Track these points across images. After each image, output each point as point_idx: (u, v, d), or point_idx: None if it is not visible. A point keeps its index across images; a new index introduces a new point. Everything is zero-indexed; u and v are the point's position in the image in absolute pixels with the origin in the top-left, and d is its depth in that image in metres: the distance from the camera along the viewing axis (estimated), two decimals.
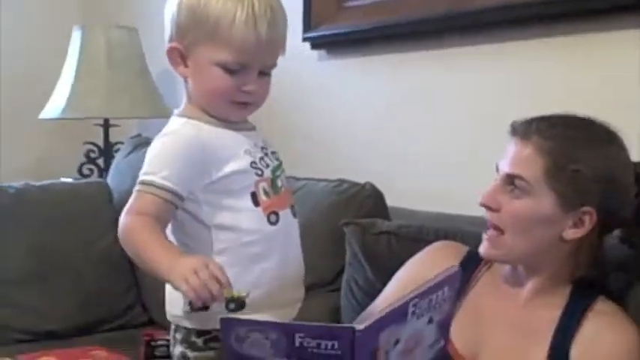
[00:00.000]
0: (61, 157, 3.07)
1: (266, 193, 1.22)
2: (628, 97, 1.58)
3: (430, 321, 1.06)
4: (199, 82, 1.22)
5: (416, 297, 1.01)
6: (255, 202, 1.21)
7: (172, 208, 1.18)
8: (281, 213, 1.23)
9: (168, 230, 1.22)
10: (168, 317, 1.26)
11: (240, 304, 1.14)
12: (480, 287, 1.31)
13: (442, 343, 1.11)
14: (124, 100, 2.67)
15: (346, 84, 2.23)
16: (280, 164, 1.28)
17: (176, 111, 1.27)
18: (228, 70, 1.19)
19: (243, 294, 1.13)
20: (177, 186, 1.17)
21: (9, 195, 2.17)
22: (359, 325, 0.97)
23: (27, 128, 3.11)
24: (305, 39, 2.22)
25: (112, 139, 2.85)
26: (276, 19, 1.20)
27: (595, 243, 1.24)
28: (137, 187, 1.19)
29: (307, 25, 2.23)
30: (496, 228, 1.24)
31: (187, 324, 1.22)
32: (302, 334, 0.97)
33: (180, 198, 1.18)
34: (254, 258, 1.21)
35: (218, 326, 1.07)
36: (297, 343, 0.97)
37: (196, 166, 1.18)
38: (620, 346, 1.18)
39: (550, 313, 1.23)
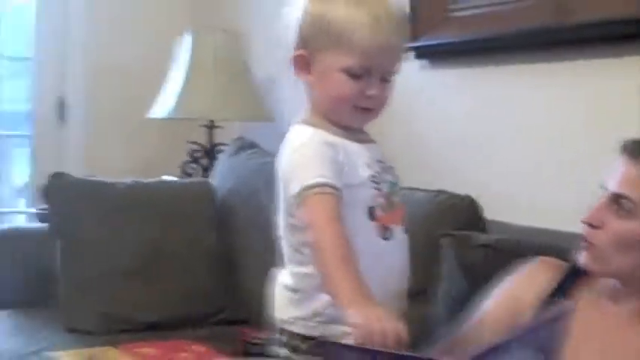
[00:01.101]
0: (165, 155, 3.17)
1: (383, 208, 1.23)
2: None
3: (536, 351, 1.05)
4: (323, 88, 1.24)
5: (522, 334, 1.04)
6: (372, 216, 1.22)
7: (341, 203, 1.17)
8: (394, 228, 1.25)
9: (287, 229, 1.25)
10: (276, 321, 1.27)
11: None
12: (579, 304, 1.27)
13: (541, 358, 1.10)
14: (229, 102, 2.75)
15: (448, 94, 2.22)
16: (397, 181, 1.28)
17: (298, 119, 1.28)
18: (353, 75, 1.21)
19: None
20: (336, 180, 1.18)
21: (119, 191, 2.27)
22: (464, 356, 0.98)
23: (134, 127, 3.24)
24: (409, 48, 2.23)
25: (215, 140, 2.95)
26: (399, 26, 1.24)
27: None
28: (306, 194, 1.17)
29: (411, 35, 2.24)
30: (590, 243, 1.23)
31: (294, 329, 1.24)
32: None
33: (341, 192, 1.18)
34: (367, 271, 1.15)
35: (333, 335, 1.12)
36: None
37: (336, 164, 1.20)
38: None
39: None
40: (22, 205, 3.69)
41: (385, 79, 1.24)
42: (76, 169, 2.89)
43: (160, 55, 3.08)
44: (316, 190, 1.17)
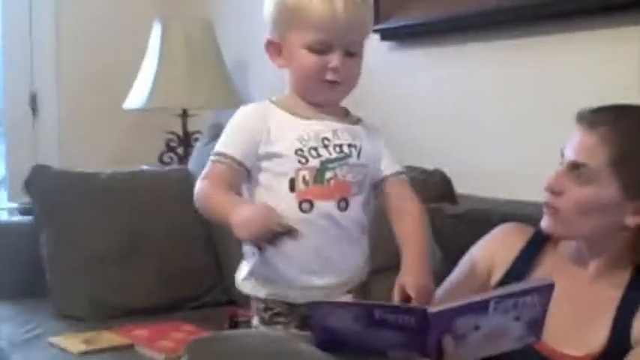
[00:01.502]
0: (141, 146, 3.22)
1: (305, 181, 1.28)
2: None
3: (517, 319, 1.15)
4: (292, 67, 1.32)
5: (499, 297, 1.12)
6: (292, 187, 1.28)
7: (235, 173, 1.30)
8: (317, 203, 1.28)
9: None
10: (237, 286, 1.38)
11: (292, 233, 1.22)
12: (546, 266, 1.39)
13: (532, 338, 1.20)
14: (202, 91, 2.80)
15: (415, 74, 2.29)
16: (344, 157, 1.31)
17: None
18: (314, 50, 1.28)
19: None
20: (241, 155, 1.29)
21: (100, 181, 2.31)
22: (433, 308, 1.08)
23: (110, 118, 3.28)
24: (375, 31, 2.30)
25: (190, 128, 3.00)
26: (357, 1, 1.28)
27: None
28: (210, 158, 1.33)
29: (376, 17, 2.31)
30: (554, 209, 1.31)
31: (246, 289, 1.35)
32: (381, 310, 1.10)
33: (242, 166, 1.30)
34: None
35: (270, 293, 1.27)
36: (376, 317, 1.10)
37: (248, 132, 1.30)
38: None
39: (613, 292, 1.30)
40: None
41: (349, 52, 1.29)
42: (52, 163, 2.93)
43: (131, 45, 3.12)
44: (214, 157, 1.32)
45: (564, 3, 1.82)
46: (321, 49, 1.28)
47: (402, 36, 2.31)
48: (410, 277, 1.26)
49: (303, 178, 1.28)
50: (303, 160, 1.29)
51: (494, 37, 2.03)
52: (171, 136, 3.01)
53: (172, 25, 2.86)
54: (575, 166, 1.29)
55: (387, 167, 1.38)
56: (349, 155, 1.32)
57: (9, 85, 3.30)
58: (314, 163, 1.29)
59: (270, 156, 1.30)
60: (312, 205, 1.28)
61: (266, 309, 1.33)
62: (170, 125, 3.03)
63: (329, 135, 1.32)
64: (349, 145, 1.33)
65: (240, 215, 1.19)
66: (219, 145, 1.32)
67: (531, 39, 1.95)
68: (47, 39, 3.30)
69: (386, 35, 2.32)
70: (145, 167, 2.81)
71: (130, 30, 3.26)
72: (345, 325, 1.14)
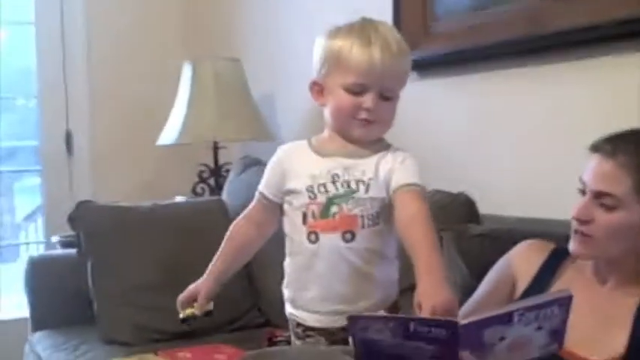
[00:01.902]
0: (174, 178, 3.36)
1: (313, 215, 1.41)
2: None
3: (539, 328, 1.22)
4: (330, 105, 1.45)
5: (522, 308, 1.20)
6: (304, 220, 1.42)
7: (264, 207, 1.51)
8: (322, 235, 1.40)
9: None
10: None
11: (189, 321, 1.57)
12: (565, 279, 1.48)
13: (555, 346, 1.27)
14: (231, 124, 2.92)
15: (436, 102, 2.38)
16: (350, 193, 1.40)
17: None
18: (351, 91, 1.40)
19: (196, 312, 1.55)
20: (267, 190, 1.50)
21: (140, 213, 2.44)
22: (463, 320, 1.17)
23: (142, 153, 3.43)
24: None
25: (221, 160, 3.12)
26: (390, 47, 1.40)
27: None
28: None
29: None
30: (586, 235, 1.39)
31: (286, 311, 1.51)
32: (416, 323, 1.19)
33: (270, 201, 1.49)
34: (301, 266, 1.45)
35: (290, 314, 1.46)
36: (411, 329, 1.18)
37: (276, 172, 1.49)
38: None
39: (630, 301, 1.39)
40: (23, 237, 3.88)
41: (384, 96, 1.41)
42: (86, 198, 3.05)
43: (163, 83, 3.27)
44: (257, 193, 1.53)
45: (573, 34, 1.91)
46: (357, 90, 1.40)
47: (423, 67, 2.42)
48: (423, 298, 1.25)
49: (312, 213, 1.41)
50: (312, 196, 1.42)
51: (510, 66, 2.12)
52: (203, 168, 3.14)
53: (202, 64, 2.99)
54: (599, 195, 1.37)
55: (394, 182, 1.42)
56: (356, 190, 1.41)
57: (45, 124, 3.46)
58: (321, 198, 1.41)
59: (289, 192, 1.45)
60: (317, 236, 1.41)
61: (298, 324, 1.47)
62: (201, 158, 3.15)
63: (339, 172, 1.43)
64: (357, 181, 1.42)
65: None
66: (261, 183, 1.53)
67: (543, 67, 2.04)
68: (81, 79, 3.45)
69: None
70: (179, 198, 2.93)
71: (161, 69, 3.41)
72: (383, 338, 1.22)
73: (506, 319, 1.19)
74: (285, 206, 1.47)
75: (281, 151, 1.52)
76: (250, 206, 1.54)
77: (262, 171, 2.56)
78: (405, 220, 1.37)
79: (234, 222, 1.57)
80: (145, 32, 3.53)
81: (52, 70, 3.44)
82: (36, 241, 3.76)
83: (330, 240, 1.40)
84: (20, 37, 3.59)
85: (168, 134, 2.99)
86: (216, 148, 3.09)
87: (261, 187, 1.52)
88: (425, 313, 1.23)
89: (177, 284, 2.33)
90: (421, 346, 1.19)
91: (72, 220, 2.42)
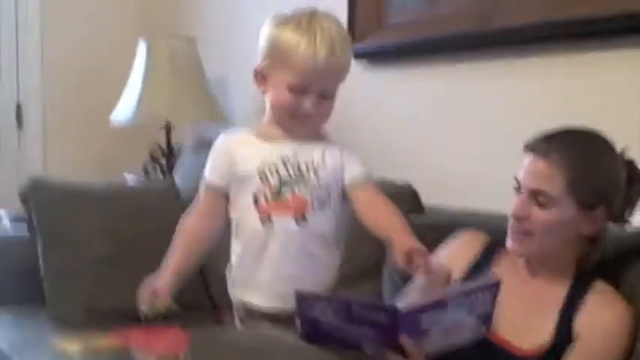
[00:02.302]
0: (126, 156, 3.35)
1: (265, 197, 1.46)
2: None
3: (470, 312, 1.31)
4: (271, 97, 1.49)
5: (456, 296, 1.28)
6: (255, 203, 1.47)
7: (215, 197, 1.52)
8: (275, 218, 1.45)
9: None
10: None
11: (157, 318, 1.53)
12: (499, 269, 1.54)
13: (484, 330, 1.37)
14: (185, 105, 2.92)
15: (387, 92, 2.45)
16: (301, 176, 1.46)
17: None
18: (292, 90, 1.44)
19: (161, 310, 1.51)
20: (215, 180, 1.51)
21: (93, 191, 2.46)
22: (402, 306, 1.24)
23: (95, 130, 3.41)
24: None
25: (173, 141, 3.12)
26: (335, 51, 1.42)
27: (600, 233, 1.47)
28: (201, 186, 1.55)
29: (351, 39, 2.47)
30: (525, 233, 1.46)
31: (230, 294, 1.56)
32: (358, 307, 1.25)
33: (219, 188, 1.51)
34: (252, 248, 1.48)
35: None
36: (353, 312, 1.25)
37: (224, 159, 1.51)
38: (615, 318, 1.41)
39: (559, 291, 1.46)
40: None
41: (323, 95, 1.46)
42: (37, 173, 3.04)
43: (117, 61, 3.26)
44: (203, 185, 1.55)
45: (521, 31, 1.99)
46: (298, 90, 1.44)
47: (375, 57, 2.48)
48: (400, 244, 1.36)
49: (265, 195, 1.46)
50: (264, 179, 1.46)
51: (460, 59, 2.20)
52: (154, 147, 3.15)
53: (157, 43, 2.98)
54: (534, 193, 1.44)
55: (348, 175, 1.50)
56: (306, 175, 1.47)
57: None
58: (273, 181, 1.46)
59: (240, 176, 1.48)
60: (270, 218, 1.45)
61: (244, 307, 1.53)
62: (154, 137, 3.17)
63: (289, 155, 1.48)
64: (307, 166, 1.48)
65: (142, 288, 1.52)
66: (205, 175, 1.54)
67: (493, 63, 2.12)
68: (33, 53, 3.43)
69: (359, 56, 2.49)
70: (128, 176, 2.94)
71: (115, 47, 3.40)
72: (327, 318, 1.28)
73: (441, 304, 1.26)
74: (233, 191, 1.50)
75: (224, 138, 1.54)
76: (197, 199, 1.55)
77: None
78: (376, 209, 1.49)
79: (183, 217, 1.56)
80: (100, 6, 3.51)
81: (3, 42, 3.39)
82: None
83: (283, 222, 1.45)
84: None
85: (121, 112, 2.99)
86: (168, 129, 3.10)
87: (208, 177, 1.53)
88: (400, 251, 1.34)
89: (127, 263, 2.38)
90: (362, 330, 1.26)
91: (23, 196, 2.42)
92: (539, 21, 1.93)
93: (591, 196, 1.42)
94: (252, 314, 1.51)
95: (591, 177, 1.42)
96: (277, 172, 1.46)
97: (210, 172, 1.53)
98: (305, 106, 1.45)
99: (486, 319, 1.36)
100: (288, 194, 1.46)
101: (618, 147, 1.48)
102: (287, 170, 1.47)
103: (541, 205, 1.43)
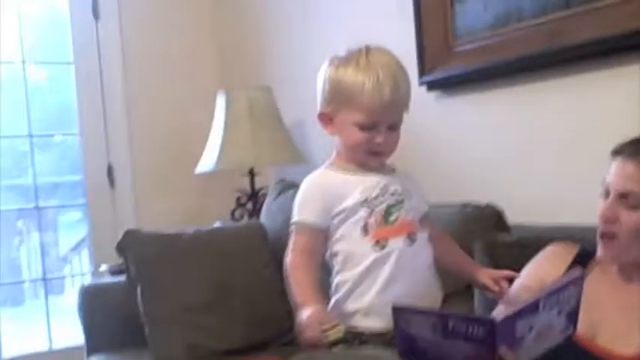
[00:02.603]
0: (213, 205, 3.47)
1: (377, 224, 1.51)
2: None
3: (559, 313, 1.31)
4: (343, 138, 1.56)
5: (545, 295, 1.27)
6: (365, 232, 1.51)
7: (315, 236, 1.52)
8: (391, 240, 1.51)
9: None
10: None
11: (337, 342, 1.42)
12: (593, 278, 1.54)
13: (571, 329, 1.36)
14: (266, 150, 3.02)
15: (460, 118, 2.47)
16: (402, 201, 1.55)
17: (326, 161, 1.62)
18: (363, 128, 1.51)
19: (339, 333, 1.42)
20: (317, 219, 1.52)
21: (184, 238, 2.55)
22: (498, 317, 1.24)
23: (181, 182, 3.55)
24: (421, 83, 2.50)
25: (257, 185, 3.22)
26: (399, 85, 1.50)
27: None
28: (291, 229, 1.55)
29: (422, 71, 2.52)
30: (611, 236, 1.46)
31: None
32: (454, 320, 1.25)
33: (320, 229, 1.52)
34: (365, 278, 1.51)
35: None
36: (450, 326, 1.25)
37: (324, 203, 1.53)
38: None
39: None
40: (67, 270, 4.02)
41: (391, 127, 1.53)
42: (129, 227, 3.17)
43: (197, 114, 3.40)
44: (294, 227, 1.54)
45: (592, 46, 1.99)
46: (368, 127, 1.51)
47: (446, 86, 2.52)
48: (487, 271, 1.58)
49: (376, 222, 1.51)
50: (370, 209, 1.52)
51: (532, 80, 2.21)
52: (240, 194, 3.25)
53: (235, 93, 3.10)
54: (624, 195, 1.44)
55: (423, 204, 1.64)
56: (405, 199, 1.56)
57: (88, 159, 3.59)
58: (379, 209, 1.52)
59: (342, 211, 1.52)
60: (382, 244, 1.51)
61: (355, 336, 1.52)
62: (238, 184, 3.26)
63: (381, 184, 1.56)
64: (398, 192, 1.56)
65: (300, 319, 1.43)
66: (297, 216, 1.55)
67: (565, 79, 2.12)
68: (119, 113, 3.59)
69: (431, 86, 2.54)
70: (218, 224, 3.04)
71: (195, 100, 3.55)
72: (424, 334, 1.28)
73: (534, 307, 1.26)
74: (336, 226, 1.53)
75: (313, 179, 1.58)
76: (296, 242, 1.54)
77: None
78: (442, 238, 1.67)
79: (287, 262, 1.54)
80: (179, 65, 3.66)
81: (91, 107, 3.58)
82: (80, 272, 3.91)
83: (396, 244, 1.51)
84: (59, 77, 3.75)
85: (206, 162, 3.10)
86: (252, 174, 3.19)
87: (304, 217, 1.53)
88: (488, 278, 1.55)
89: (222, 304, 2.47)
90: (459, 346, 1.25)
91: (120, 247, 2.53)
92: (611, 33, 1.94)
93: None
94: (361, 338, 1.52)
95: None
96: (379, 199, 1.53)
97: (307, 212, 1.54)
98: (377, 141, 1.52)
99: (572, 316, 1.36)
100: (396, 218, 1.53)
101: None
102: (387, 197, 1.54)
103: (630, 208, 1.43)
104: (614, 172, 1.48)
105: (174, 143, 3.60)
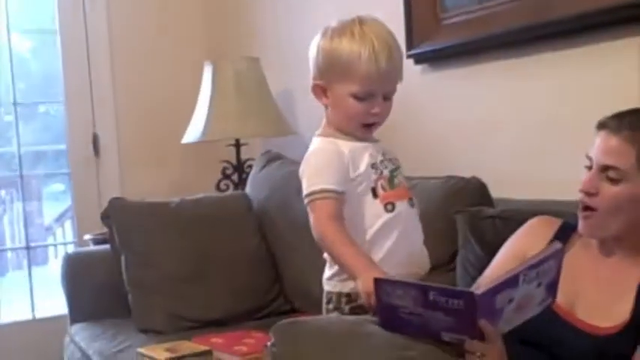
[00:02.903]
0: (199, 175, 3.47)
1: (383, 187, 1.54)
2: None
3: (539, 285, 1.32)
4: (338, 110, 1.56)
5: (525, 269, 1.29)
6: (375, 194, 1.53)
7: (340, 202, 1.50)
8: (397, 203, 1.54)
9: None
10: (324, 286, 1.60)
11: None
12: (574, 251, 1.55)
13: (550, 300, 1.38)
14: (252, 121, 3.01)
15: (447, 92, 2.48)
16: (398, 167, 1.60)
17: (317, 132, 1.61)
18: (359, 98, 1.52)
19: None
20: (338, 185, 1.50)
21: (170, 208, 2.56)
22: (477, 290, 1.26)
23: (167, 153, 3.55)
24: (409, 56, 2.49)
25: (243, 156, 3.22)
26: (393, 54, 1.52)
27: None
28: (311, 198, 1.50)
29: (410, 44, 2.52)
30: (591, 209, 1.47)
31: (329, 288, 1.57)
32: (434, 292, 1.26)
33: (343, 194, 1.50)
34: (377, 239, 1.52)
35: (351, 289, 1.45)
36: (430, 298, 1.26)
37: (342, 169, 1.52)
38: None
39: (635, 270, 1.47)
40: (51, 240, 4.02)
41: (386, 97, 1.54)
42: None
43: (184, 85, 3.39)
44: (318, 195, 1.50)
45: (578, 20, 1.99)
46: (365, 97, 1.51)
47: (433, 59, 2.51)
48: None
49: (382, 186, 1.54)
50: (379, 172, 1.55)
51: (518, 54, 2.21)
52: (226, 165, 3.25)
53: (222, 63, 3.09)
54: (605, 168, 1.45)
55: None
56: (399, 166, 1.60)
57: (73, 129, 3.57)
58: (385, 172, 1.56)
59: (357, 176, 1.53)
60: (393, 205, 1.54)
61: (349, 301, 1.53)
62: (224, 155, 3.26)
63: (382, 150, 1.59)
64: (395, 158, 1.61)
65: (364, 286, 1.39)
66: (318, 184, 1.50)
67: (550, 54, 2.12)
68: (105, 83, 3.56)
69: (419, 60, 2.53)
70: (203, 195, 3.03)
71: (182, 70, 3.53)
72: (405, 305, 1.29)
73: (513, 281, 1.27)
74: (351, 191, 1.52)
75: (324, 148, 1.56)
76: (327, 208, 1.49)
77: (284, 165, 2.74)
78: None
79: (322, 232, 1.48)
80: (166, 34, 3.63)
81: (77, 76, 3.55)
82: (64, 242, 3.91)
83: (403, 206, 1.55)
84: (44, 46, 3.71)
85: (192, 133, 3.09)
86: (238, 145, 3.19)
87: (327, 186, 1.49)
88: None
89: (206, 274, 2.48)
90: (440, 317, 1.27)
91: (105, 216, 2.53)
92: (595, 8, 1.93)
93: None
94: (360, 307, 1.51)
95: None
96: (384, 164, 1.56)
97: (328, 179, 1.50)
98: (374, 111, 1.53)
99: (552, 287, 1.37)
100: (398, 182, 1.57)
101: None
102: (388, 163, 1.57)
103: (612, 181, 1.45)
104: (597, 145, 1.49)
105: (160, 113, 3.58)
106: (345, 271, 1.50)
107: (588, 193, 1.48)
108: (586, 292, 1.47)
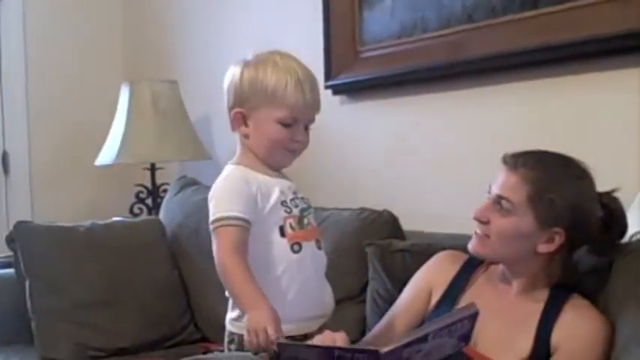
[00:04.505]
0: (112, 199, 3.40)
1: (292, 227, 1.54)
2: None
3: (450, 337, 1.34)
4: (260, 136, 1.55)
5: (436, 329, 1.30)
6: (282, 233, 1.52)
7: (246, 231, 1.47)
8: (304, 244, 1.54)
9: None
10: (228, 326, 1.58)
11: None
12: (477, 286, 1.60)
13: (462, 344, 1.40)
14: (168, 145, 2.97)
15: (365, 123, 2.51)
16: (309, 207, 1.60)
17: (230, 160, 1.60)
18: (284, 124, 1.53)
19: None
20: (245, 214, 1.48)
21: (80, 233, 2.48)
22: (383, 348, 1.23)
23: (80, 174, 3.47)
24: (327, 87, 2.52)
25: (158, 180, 3.18)
26: (315, 85, 1.56)
27: (565, 256, 1.53)
28: (217, 224, 1.47)
29: (328, 75, 2.54)
30: (484, 236, 1.53)
31: (232, 329, 1.55)
32: (340, 351, 1.26)
33: (249, 223, 1.48)
34: (281, 280, 1.51)
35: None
36: (336, 355, 1.25)
37: (250, 198, 1.50)
38: (592, 331, 1.44)
39: (534, 306, 1.51)
40: None
41: (307, 126, 1.57)
42: (24, 219, 3.07)
43: (100, 105, 3.32)
44: (224, 222, 1.47)
45: (488, 61, 2.06)
46: (289, 123, 1.53)
47: (350, 91, 2.54)
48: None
49: (290, 225, 1.53)
50: (289, 210, 1.54)
51: (433, 90, 2.26)
52: (140, 189, 3.19)
53: (140, 85, 3.04)
54: (498, 200, 1.51)
55: None
56: (310, 205, 1.60)
57: None
58: (295, 211, 1.55)
59: (267, 208, 1.52)
60: (300, 246, 1.53)
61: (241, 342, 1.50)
62: (139, 179, 3.21)
63: (295, 189, 1.59)
64: (306, 198, 1.61)
65: (251, 323, 1.36)
66: (226, 211, 1.46)
67: (464, 91, 2.18)
68: (19, 100, 3.47)
69: (337, 91, 2.56)
70: (117, 219, 2.97)
71: (99, 91, 3.47)
72: None
73: (422, 339, 1.29)
74: (257, 225, 1.49)
75: (234, 175, 1.54)
76: (229, 237, 1.45)
77: (199, 191, 2.70)
78: None
79: (221, 261, 1.44)
80: (83, 54, 3.58)
81: None
82: None
83: (311, 248, 1.55)
84: None
85: (106, 154, 3.03)
86: (153, 169, 3.14)
87: (233, 213, 1.46)
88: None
89: (116, 302, 2.41)
90: None
91: (10, 240, 2.45)
92: (509, 49, 2.00)
93: (549, 214, 1.48)
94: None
95: (552, 195, 1.48)
96: (294, 202, 1.56)
97: (235, 206, 1.47)
98: (298, 139, 1.55)
99: (465, 338, 1.40)
100: (308, 222, 1.56)
101: (614, 185, 1.53)
102: (299, 201, 1.57)
103: (501, 212, 1.50)
104: (498, 177, 1.54)
105: (75, 134, 3.50)
106: (235, 303, 1.49)
107: (480, 221, 1.53)
108: (486, 326, 1.50)
